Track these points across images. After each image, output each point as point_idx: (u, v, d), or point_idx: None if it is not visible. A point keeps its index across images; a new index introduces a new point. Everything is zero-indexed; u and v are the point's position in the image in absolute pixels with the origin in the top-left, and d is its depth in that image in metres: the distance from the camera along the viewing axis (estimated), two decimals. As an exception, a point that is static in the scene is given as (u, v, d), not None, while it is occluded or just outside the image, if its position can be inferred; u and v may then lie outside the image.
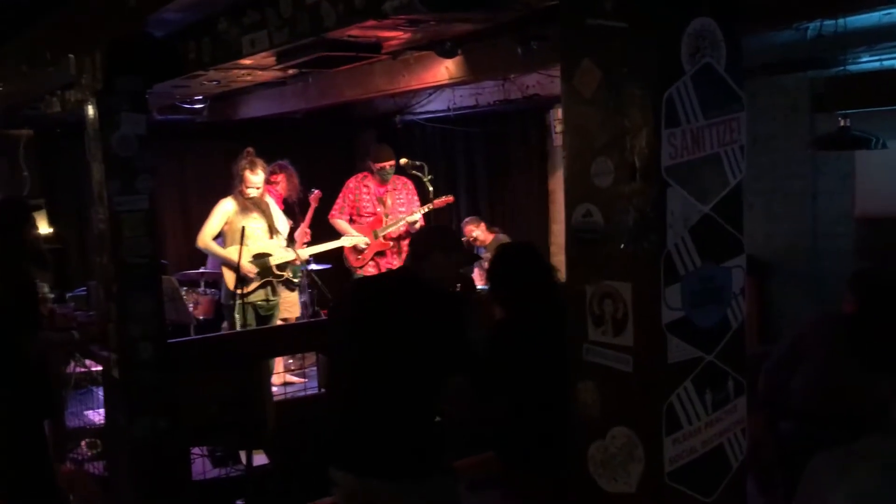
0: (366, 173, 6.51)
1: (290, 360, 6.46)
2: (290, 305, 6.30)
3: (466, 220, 7.19)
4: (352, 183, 6.50)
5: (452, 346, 2.88)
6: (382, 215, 6.40)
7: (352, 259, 6.46)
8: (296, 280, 6.17)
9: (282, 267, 5.96)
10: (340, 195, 6.51)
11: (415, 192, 6.57)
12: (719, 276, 1.73)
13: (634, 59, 1.63)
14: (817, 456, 2.23)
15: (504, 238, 6.79)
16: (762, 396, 3.96)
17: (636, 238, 1.67)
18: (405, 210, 6.43)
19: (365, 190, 6.44)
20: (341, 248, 6.44)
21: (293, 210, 6.52)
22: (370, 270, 6.34)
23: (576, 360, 1.83)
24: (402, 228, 6.33)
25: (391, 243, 6.38)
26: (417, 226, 6.24)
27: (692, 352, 1.70)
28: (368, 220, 6.42)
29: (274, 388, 4.87)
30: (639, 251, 1.67)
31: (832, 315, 4.03)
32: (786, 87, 5.65)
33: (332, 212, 6.49)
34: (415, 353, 2.85)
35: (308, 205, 6.53)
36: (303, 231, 6.40)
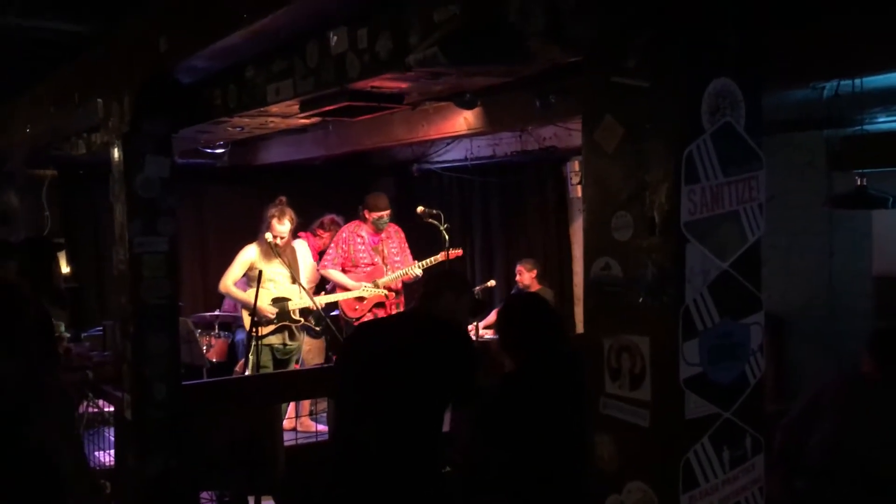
0: (358, 222, 6.41)
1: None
2: (314, 352, 6.29)
3: (524, 260, 7.18)
4: (345, 233, 6.41)
5: (461, 376, 2.91)
6: (381, 265, 6.37)
7: (349, 311, 6.38)
8: (318, 328, 6.16)
9: (304, 312, 5.97)
10: (332, 246, 6.43)
11: (405, 240, 6.56)
12: (737, 332, 1.73)
13: (656, 117, 1.66)
14: None
15: (549, 293, 6.78)
16: (779, 454, 3.92)
17: (654, 292, 1.68)
18: (400, 259, 6.41)
19: (359, 240, 6.36)
20: (335, 301, 6.42)
21: None
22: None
23: (593, 412, 1.83)
24: (401, 281, 6.32)
25: (393, 294, 6.35)
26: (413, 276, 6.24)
27: (710, 408, 1.70)
28: (367, 269, 6.36)
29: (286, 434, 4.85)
30: (657, 305, 1.67)
31: (850, 375, 4.01)
32: (802, 144, 5.68)
33: (324, 262, 6.40)
34: (423, 387, 2.87)
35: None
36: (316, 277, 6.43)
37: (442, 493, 2.96)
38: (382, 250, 6.38)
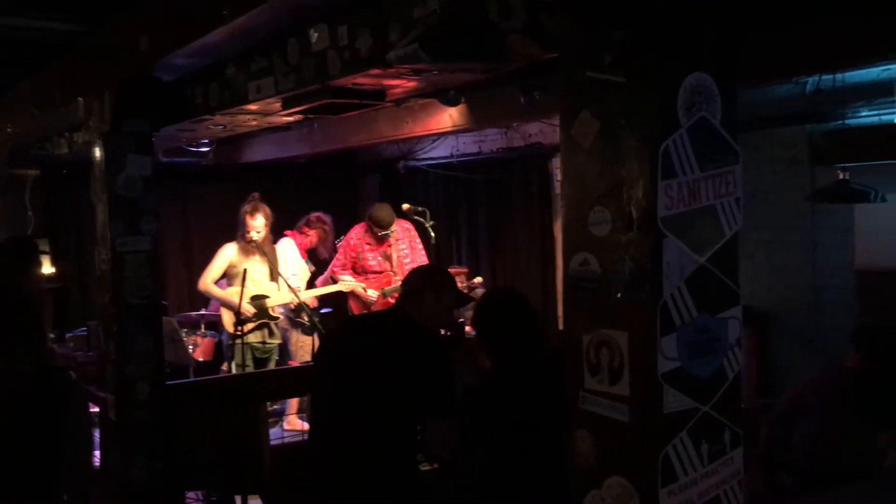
0: (365, 227, 6.38)
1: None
2: (305, 349, 6.28)
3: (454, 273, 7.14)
4: (352, 239, 6.38)
5: (433, 386, 2.82)
6: (390, 273, 6.33)
7: (357, 313, 6.39)
8: (308, 324, 6.12)
9: (297, 309, 5.94)
10: (340, 251, 6.42)
11: (416, 235, 6.52)
12: (715, 326, 1.74)
13: (632, 112, 1.67)
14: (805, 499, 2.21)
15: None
16: (763, 450, 3.94)
17: (632, 287, 1.68)
18: (410, 261, 6.36)
19: (367, 247, 6.33)
20: (346, 302, 6.39)
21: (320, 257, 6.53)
22: None
23: (572, 408, 1.83)
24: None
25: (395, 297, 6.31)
26: None
27: (688, 402, 1.70)
28: (375, 276, 6.35)
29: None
30: (635, 300, 1.68)
31: (833, 369, 4.03)
32: (785, 140, 5.71)
33: (334, 268, 6.40)
34: (393, 391, 2.80)
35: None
36: (326, 277, 6.41)
37: (412, 497, 2.93)
38: (391, 255, 6.32)
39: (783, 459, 3.93)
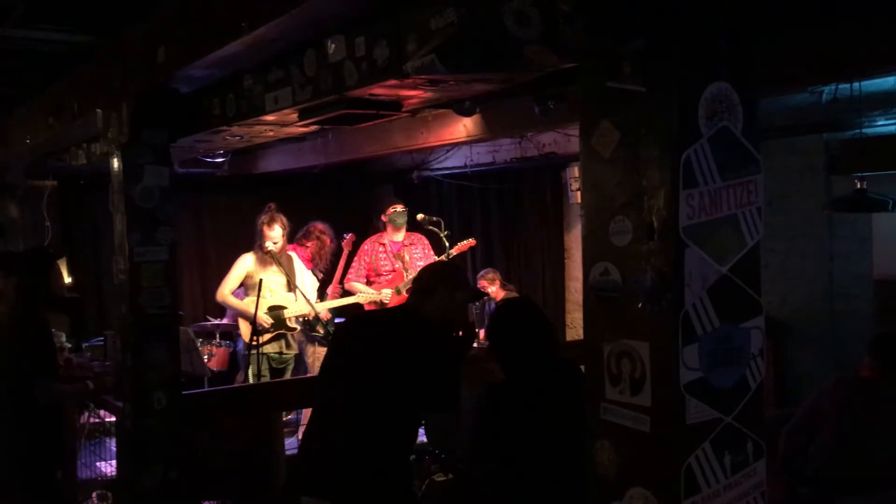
0: (380, 233, 6.46)
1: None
2: (321, 360, 6.28)
3: (483, 272, 7.16)
4: (367, 245, 6.44)
5: (436, 381, 2.79)
6: (402, 270, 6.36)
7: None
8: (324, 336, 6.12)
9: (313, 321, 5.94)
10: (356, 259, 6.44)
11: (430, 246, 6.55)
12: (737, 336, 1.73)
13: (653, 122, 1.66)
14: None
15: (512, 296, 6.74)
16: (782, 461, 3.91)
17: (654, 297, 1.67)
18: (423, 264, 6.39)
19: (381, 249, 6.39)
20: (361, 307, 6.40)
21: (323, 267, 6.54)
22: None
23: (592, 418, 1.82)
24: None
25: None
26: None
27: (710, 413, 1.69)
28: (388, 277, 6.37)
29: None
30: (656, 311, 1.67)
31: (850, 379, 4.00)
32: (801, 148, 5.68)
33: (349, 276, 6.41)
34: (395, 384, 2.78)
35: (342, 250, 6.55)
36: (334, 286, 6.43)
37: (406, 479, 2.90)
38: (404, 256, 6.37)
39: (800, 470, 3.90)
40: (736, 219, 1.72)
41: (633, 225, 1.70)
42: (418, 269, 6.23)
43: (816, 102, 5.21)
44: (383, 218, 6.41)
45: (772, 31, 2.92)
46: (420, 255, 6.44)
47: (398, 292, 6.23)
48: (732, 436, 1.73)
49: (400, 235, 6.42)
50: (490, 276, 7.00)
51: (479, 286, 6.95)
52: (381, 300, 6.23)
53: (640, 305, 1.70)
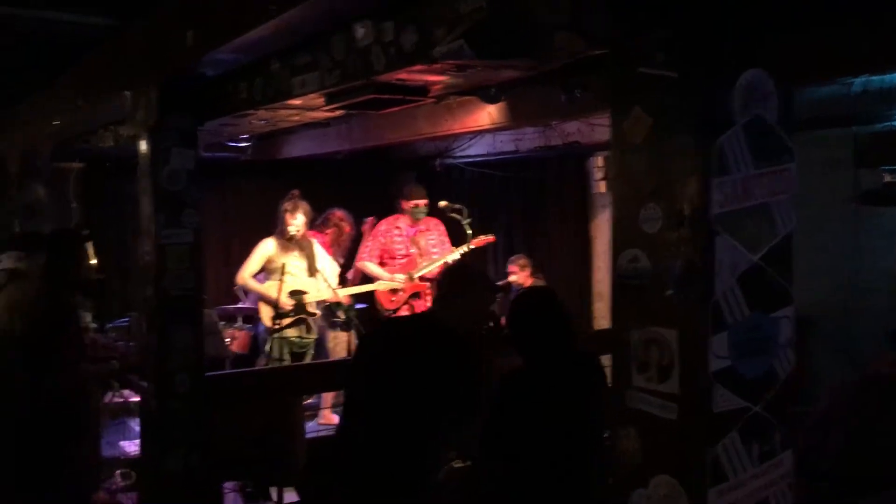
0: (397, 216, 6.44)
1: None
2: (342, 346, 6.32)
3: (514, 258, 7.14)
4: (383, 226, 6.43)
5: (463, 389, 2.82)
6: (416, 256, 6.35)
7: (385, 302, 6.38)
8: (345, 321, 6.14)
9: (334, 306, 5.97)
10: (371, 238, 6.44)
11: (445, 233, 6.53)
12: (767, 326, 1.72)
13: (685, 108, 1.65)
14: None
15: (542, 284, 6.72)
16: (801, 456, 3.89)
17: (683, 285, 1.67)
18: (438, 251, 6.38)
19: (397, 232, 6.37)
20: (373, 291, 6.42)
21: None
22: (404, 313, 6.29)
23: (619, 405, 1.82)
24: (438, 269, 6.29)
25: (427, 284, 6.33)
26: None
27: (738, 402, 1.69)
28: (402, 261, 6.36)
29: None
30: (686, 298, 1.66)
31: (871, 375, 3.96)
32: (826, 141, 5.61)
33: (361, 255, 6.42)
34: (421, 399, 2.80)
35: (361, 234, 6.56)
36: (355, 271, 6.44)
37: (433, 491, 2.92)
38: (419, 241, 6.36)
39: (820, 466, 3.87)
40: (768, 208, 1.71)
41: (664, 212, 1.69)
42: (432, 256, 6.31)
43: (845, 95, 5.14)
44: (404, 205, 6.37)
45: (808, 20, 2.88)
46: (435, 241, 6.42)
47: (410, 279, 6.22)
48: (760, 425, 1.72)
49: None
50: (521, 262, 6.97)
51: (508, 270, 6.95)
52: (396, 286, 6.23)
53: (669, 293, 1.69)
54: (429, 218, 6.46)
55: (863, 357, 4.90)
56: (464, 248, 6.23)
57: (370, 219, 6.62)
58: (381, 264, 6.36)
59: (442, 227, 6.53)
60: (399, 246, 6.37)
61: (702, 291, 1.63)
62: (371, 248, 6.39)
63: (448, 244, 6.45)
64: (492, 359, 3.15)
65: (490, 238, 6.47)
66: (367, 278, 6.45)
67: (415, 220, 6.35)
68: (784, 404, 1.75)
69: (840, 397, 3.86)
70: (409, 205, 6.31)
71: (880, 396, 3.71)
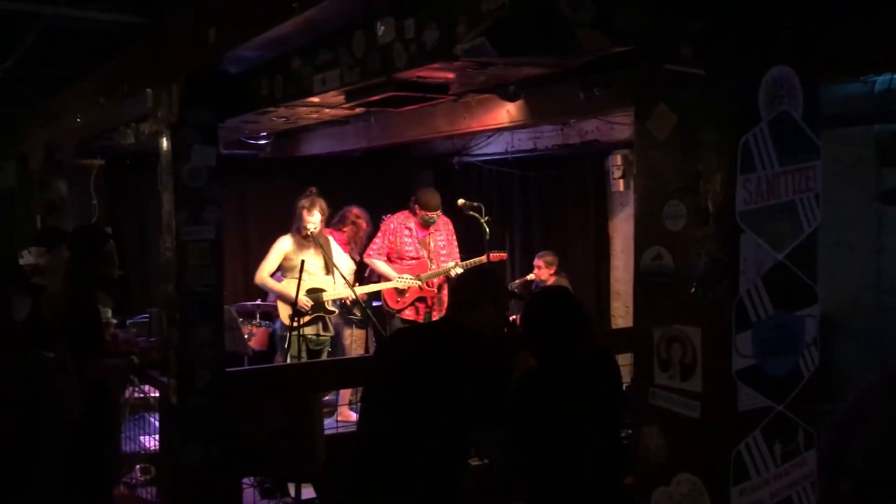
0: (408, 214, 6.39)
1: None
2: (357, 343, 6.32)
3: (542, 253, 7.11)
4: (393, 223, 6.39)
5: (492, 394, 2.80)
6: (426, 259, 6.32)
7: (391, 301, 6.36)
8: (361, 319, 6.12)
9: (352, 304, 5.97)
10: (380, 234, 6.42)
11: (453, 231, 6.51)
12: (792, 324, 1.71)
13: (711, 105, 1.64)
14: None
15: (564, 284, 6.70)
16: (824, 456, 3.86)
17: (707, 283, 1.66)
18: (446, 252, 6.36)
19: (406, 232, 6.34)
20: (379, 290, 6.40)
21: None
22: (408, 314, 6.28)
23: (640, 403, 1.81)
24: (441, 279, 6.27)
25: (434, 291, 6.32)
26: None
27: (762, 401, 1.68)
28: (411, 263, 6.32)
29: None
30: (710, 296, 1.66)
31: (894, 374, 3.92)
32: (851, 139, 5.56)
33: (369, 251, 6.40)
34: (451, 407, 2.78)
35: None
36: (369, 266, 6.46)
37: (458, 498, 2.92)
38: (429, 243, 6.34)
39: (844, 465, 3.84)
40: (794, 205, 1.70)
41: (688, 209, 1.69)
42: (441, 257, 6.28)
43: (868, 93, 5.10)
44: (416, 209, 6.32)
45: (838, 16, 2.85)
46: (444, 240, 6.41)
47: (419, 283, 6.19)
48: (784, 424, 1.71)
49: None
50: (548, 259, 6.95)
51: (534, 265, 6.94)
52: (408, 285, 6.21)
53: (692, 290, 1.68)
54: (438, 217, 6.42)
55: (891, 356, 4.87)
56: (475, 262, 6.20)
57: (388, 216, 6.62)
58: (390, 262, 6.35)
59: (450, 226, 6.51)
60: (409, 248, 6.34)
61: (726, 289, 1.63)
62: (380, 244, 6.38)
63: (455, 245, 6.43)
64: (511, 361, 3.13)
65: (503, 255, 6.42)
66: (379, 278, 6.44)
67: (425, 227, 6.32)
68: (808, 403, 1.74)
69: (867, 395, 3.82)
70: (421, 213, 6.26)
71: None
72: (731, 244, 1.62)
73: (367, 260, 6.44)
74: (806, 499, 1.75)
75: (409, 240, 6.35)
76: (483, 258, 6.15)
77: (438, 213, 6.29)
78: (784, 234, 1.68)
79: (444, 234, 6.43)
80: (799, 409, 1.73)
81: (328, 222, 6.22)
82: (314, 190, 5.95)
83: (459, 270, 6.12)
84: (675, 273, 1.72)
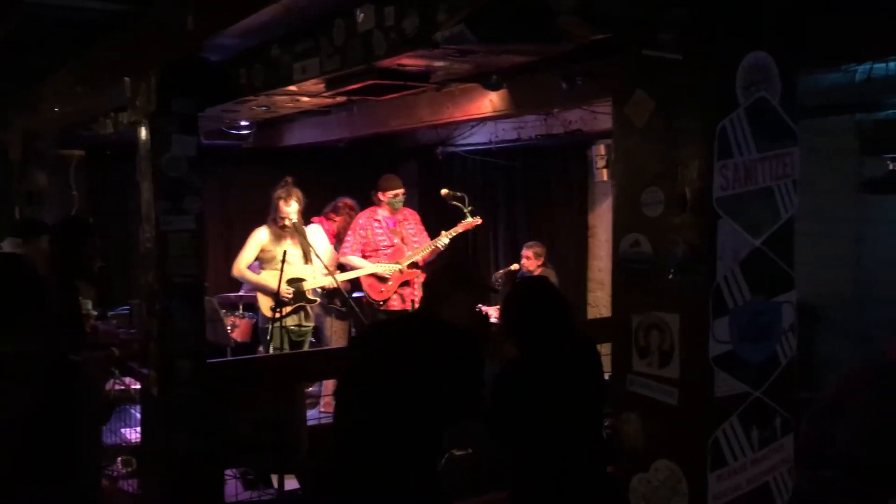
0: (374, 208, 6.33)
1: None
2: (339, 333, 6.29)
3: (530, 244, 7.10)
4: (361, 219, 6.32)
5: (470, 387, 2.80)
6: (401, 245, 6.32)
7: (374, 293, 6.32)
8: (343, 309, 6.10)
9: (331, 294, 5.93)
10: (350, 233, 6.34)
11: (420, 222, 6.50)
12: (769, 311, 1.71)
13: (688, 91, 1.64)
14: None
15: (552, 275, 6.70)
16: (804, 444, 3.88)
17: (685, 269, 1.66)
18: (418, 240, 6.34)
19: (377, 224, 6.28)
20: (360, 286, 6.37)
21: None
22: (394, 304, 6.26)
23: (619, 390, 1.82)
24: (427, 254, 6.25)
25: (417, 272, 6.30)
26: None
27: (739, 387, 1.68)
28: (387, 252, 6.30)
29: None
30: (687, 282, 1.66)
31: (877, 363, 3.94)
32: (830, 129, 5.58)
33: (343, 249, 6.33)
34: (433, 398, 2.78)
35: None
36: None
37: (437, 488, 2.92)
38: (401, 232, 6.33)
39: (826, 454, 3.86)
40: (771, 191, 1.70)
41: (666, 196, 1.68)
42: (414, 245, 6.27)
43: (849, 82, 5.12)
44: (381, 197, 6.25)
45: (815, 5, 2.85)
46: (414, 230, 6.38)
47: (400, 270, 6.18)
48: (761, 410, 1.72)
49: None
50: (536, 250, 6.93)
51: (522, 255, 6.93)
52: (384, 275, 6.19)
53: (670, 277, 1.68)
54: (404, 208, 6.41)
55: (870, 345, 4.90)
56: (452, 233, 6.19)
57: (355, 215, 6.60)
58: (365, 257, 6.32)
59: (417, 217, 6.49)
60: (382, 238, 6.30)
61: (704, 276, 1.62)
62: (352, 241, 6.31)
63: (424, 232, 6.41)
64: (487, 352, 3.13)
65: (477, 220, 6.40)
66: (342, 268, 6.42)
67: (394, 211, 6.29)
68: (785, 389, 1.74)
69: (848, 385, 3.84)
70: (388, 195, 6.21)
71: (888, 385, 3.69)
72: (708, 230, 1.62)
73: (342, 259, 6.38)
74: (783, 484, 1.76)
75: (381, 230, 6.31)
76: (462, 225, 6.15)
77: (402, 192, 6.25)
78: (761, 221, 1.69)
79: (412, 224, 6.41)
80: (776, 394, 1.74)
81: (318, 211, 6.18)
82: (290, 180, 5.90)
83: (447, 241, 6.12)
84: (653, 260, 1.72)
